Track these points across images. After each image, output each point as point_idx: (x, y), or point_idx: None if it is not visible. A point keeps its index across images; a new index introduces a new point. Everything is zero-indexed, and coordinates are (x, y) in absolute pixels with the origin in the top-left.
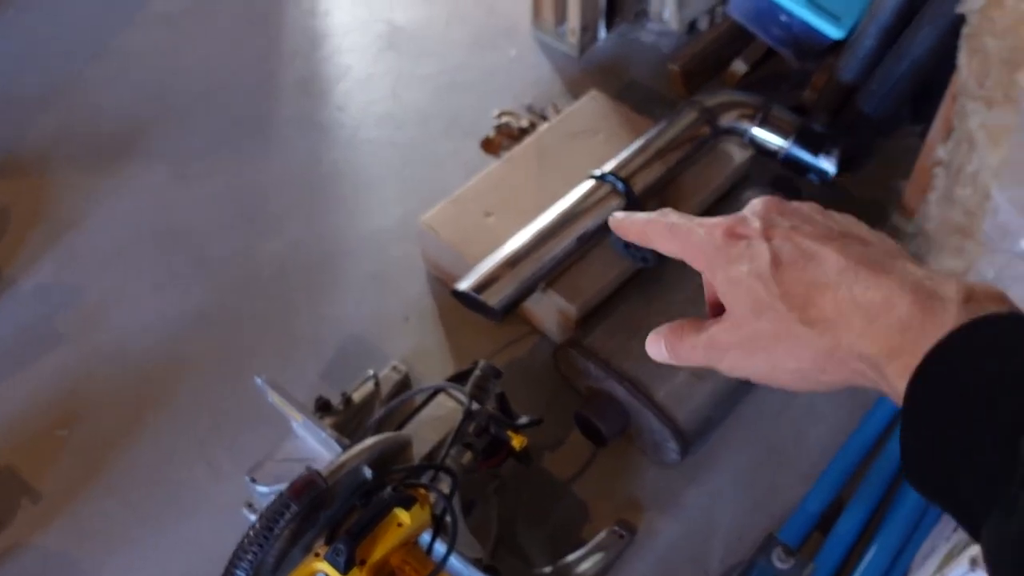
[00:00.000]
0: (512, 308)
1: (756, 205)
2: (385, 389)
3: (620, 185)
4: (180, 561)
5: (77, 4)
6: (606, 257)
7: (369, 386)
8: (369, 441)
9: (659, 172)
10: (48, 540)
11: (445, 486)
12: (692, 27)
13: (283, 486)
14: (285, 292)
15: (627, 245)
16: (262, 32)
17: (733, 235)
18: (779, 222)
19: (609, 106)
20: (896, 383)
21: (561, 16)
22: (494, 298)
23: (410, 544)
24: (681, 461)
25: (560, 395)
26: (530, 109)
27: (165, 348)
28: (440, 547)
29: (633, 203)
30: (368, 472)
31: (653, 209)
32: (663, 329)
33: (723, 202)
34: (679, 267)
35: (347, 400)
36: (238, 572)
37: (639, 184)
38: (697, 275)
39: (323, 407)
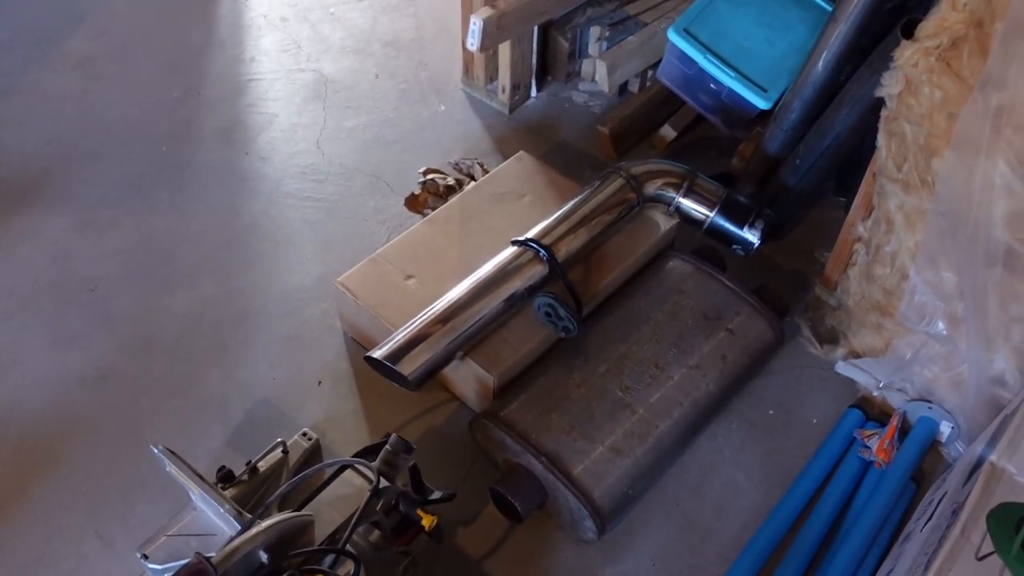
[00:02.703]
0: (428, 378)
1: None
2: (294, 457)
3: (543, 252)
4: None
5: None
6: (527, 325)
7: (277, 454)
8: (266, 523)
9: (583, 239)
10: None
11: (347, 572)
12: (623, 89)
13: (178, 563)
14: (193, 352)
15: (548, 313)
16: (183, 77)
17: None
18: None
19: (536, 168)
20: None
21: (492, 74)
22: (409, 368)
23: None
24: (599, 539)
25: (477, 467)
26: (457, 167)
27: (58, 409)
28: None
29: (555, 270)
30: (264, 557)
31: (578, 274)
32: None
33: (646, 270)
34: (600, 338)
35: (253, 469)
36: None
37: (562, 251)
38: (619, 346)
39: (225, 477)
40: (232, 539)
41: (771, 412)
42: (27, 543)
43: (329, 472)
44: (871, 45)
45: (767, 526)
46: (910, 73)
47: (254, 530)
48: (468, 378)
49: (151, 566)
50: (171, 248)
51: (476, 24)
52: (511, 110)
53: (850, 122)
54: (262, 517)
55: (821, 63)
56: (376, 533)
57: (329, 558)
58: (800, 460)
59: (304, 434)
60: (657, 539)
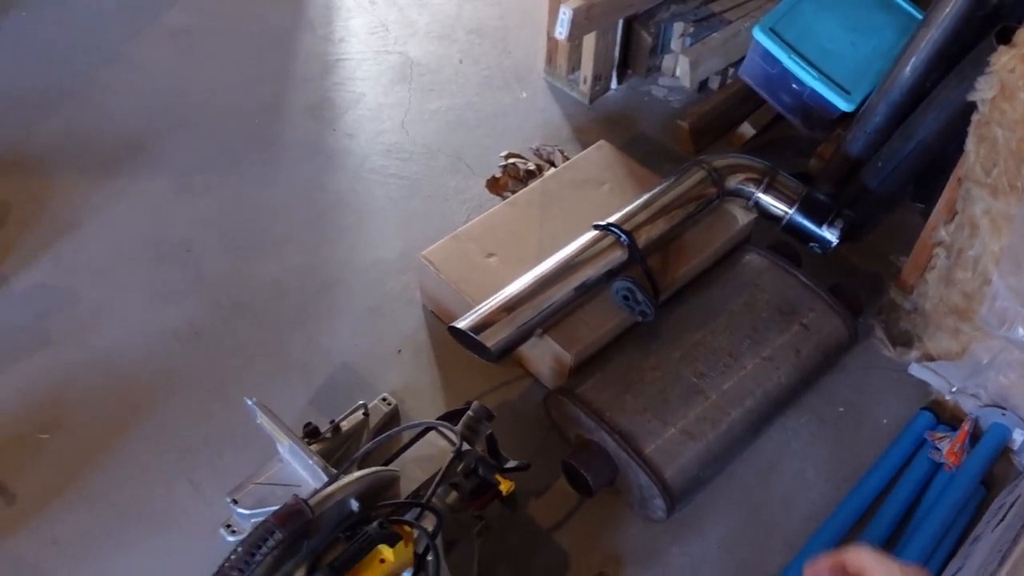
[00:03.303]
0: (507, 352)
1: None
2: (374, 420)
3: (624, 237)
4: None
5: (89, 11)
6: (604, 308)
7: (358, 416)
8: (358, 474)
9: (663, 228)
10: (19, 544)
11: (430, 525)
12: (703, 86)
13: (265, 510)
14: (280, 316)
15: (626, 297)
16: (275, 54)
17: None
18: None
19: (616, 157)
20: None
21: (575, 64)
22: (491, 340)
23: None
24: (667, 519)
25: (549, 441)
26: (537, 153)
27: (155, 361)
28: None
29: (635, 256)
30: (355, 505)
31: (655, 263)
32: None
33: (722, 263)
34: (676, 324)
35: (335, 428)
36: None
37: (642, 238)
38: (694, 333)
39: (311, 433)
40: (324, 487)
41: (841, 409)
42: (123, 484)
43: (414, 433)
44: (960, 52)
45: (834, 519)
46: (1006, 78)
47: (348, 478)
48: (545, 355)
49: (239, 511)
50: (261, 216)
51: (566, 13)
52: (591, 100)
53: (936, 126)
54: (346, 472)
55: (909, 68)
56: (454, 495)
57: (412, 513)
58: (868, 458)
59: (384, 399)
60: (723, 524)
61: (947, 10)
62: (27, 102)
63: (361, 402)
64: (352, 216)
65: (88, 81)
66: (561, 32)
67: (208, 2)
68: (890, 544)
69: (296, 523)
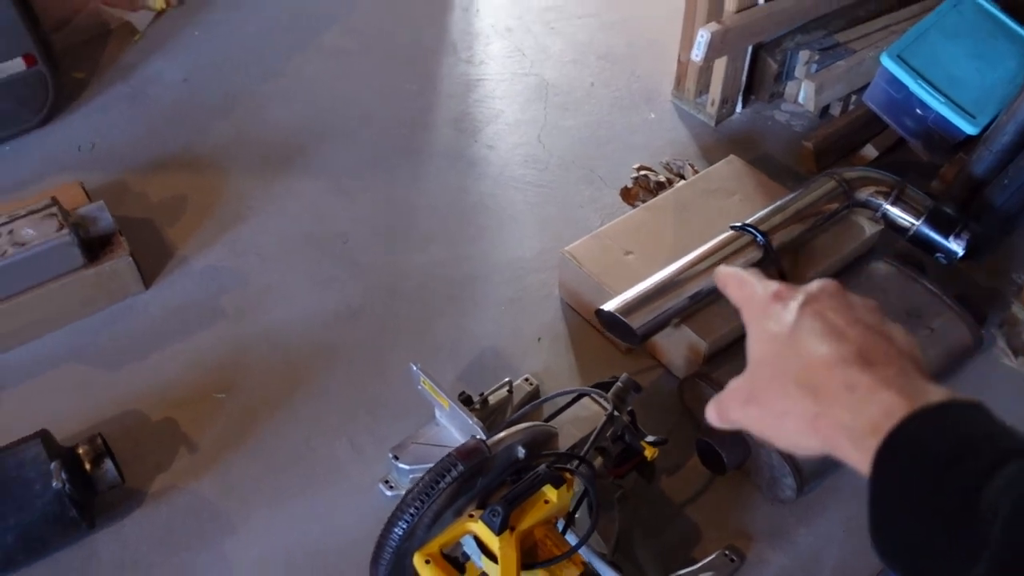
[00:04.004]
0: (650, 335)
1: (815, 283)
2: (517, 397)
3: (760, 237)
4: (313, 528)
5: (257, 30)
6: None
7: (503, 392)
8: (525, 424)
9: (795, 233)
10: (199, 488)
11: (587, 476)
12: (825, 112)
13: (423, 466)
14: (428, 302)
15: None
16: (421, 71)
17: (778, 297)
18: (822, 300)
19: (746, 170)
20: (868, 458)
21: (703, 87)
22: (637, 322)
23: (552, 522)
24: (795, 499)
25: (680, 426)
26: (667, 167)
27: (317, 336)
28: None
29: (770, 255)
30: (522, 452)
31: (788, 266)
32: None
33: (849, 270)
34: None
35: (484, 400)
36: (401, 522)
37: (776, 240)
38: None
39: (464, 401)
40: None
41: None
42: (289, 445)
43: (567, 399)
44: None
45: None
46: None
47: (517, 427)
48: (680, 344)
49: (400, 465)
50: (409, 215)
51: (704, 36)
52: (717, 122)
53: None
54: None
55: None
56: (599, 460)
57: (570, 466)
58: None
59: (526, 379)
60: (849, 508)
61: None
62: (204, 108)
63: (507, 379)
64: (493, 218)
65: (256, 91)
66: (697, 54)
67: (363, 26)
68: None
69: (475, 459)
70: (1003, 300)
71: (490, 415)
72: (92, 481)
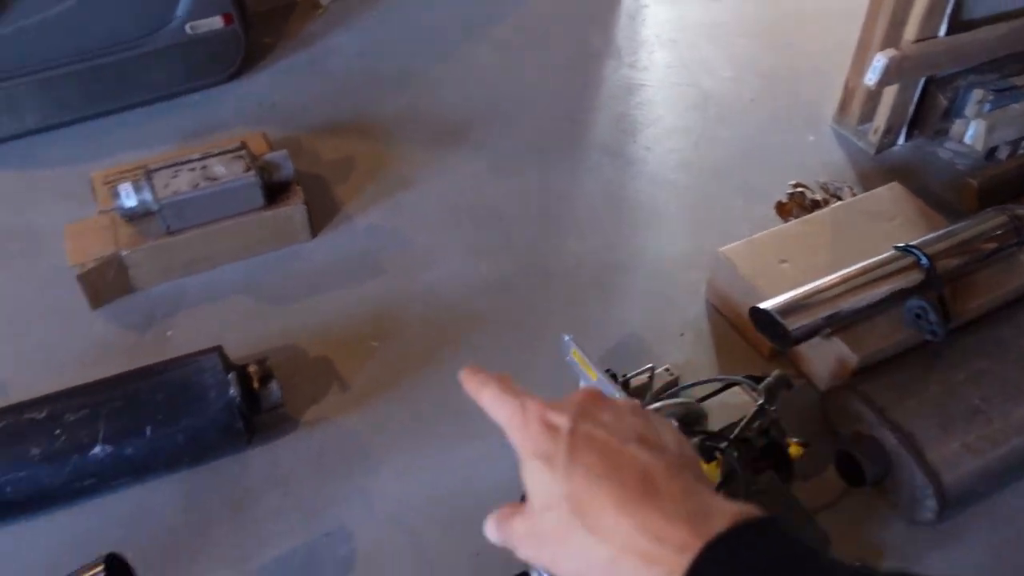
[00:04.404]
0: (803, 339)
1: (576, 395)
2: (656, 384)
3: (924, 260)
4: (450, 478)
5: (432, 17)
6: (891, 323)
7: (644, 377)
8: (678, 400)
9: (959, 261)
10: (348, 423)
11: (735, 458)
12: (991, 154)
13: None
14: (577, 285)
15: (918, 315)
16: (585, 71)
17: (545, 424)
18: (589, 417)
19: (908, 197)
20: None
21: (867, 115)
22: (793, 325)
23: None
24: (935, 522)
25: (817, 436)
26: (824, 187)
27: (469, 302)
28: None
29: (933, 280)
30: (674, 424)
31: (948, 295)
32: (496, 510)
33: (1010, 309)
34: (962, 351)
35: (626, 381)
36: None
37: (940, 266)
38: (981, 361)
39: (611, 377)
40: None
41: None
42: (435, 397)
43: (718, 385)
44: None
45: None
46: None
47: (673, 401)
48: (827, 355)
49: None
50: (564, 201)
51: (880, 61)
52: (877, 151)
53: None
54: None
55: None
56: (740, 452)
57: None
58: None
59: (667, 369)
60: (987, 541)
61: None
62: (378, 81)
63: (650, 365)
64: (645, 215)
65: (428, 73)
66: (871, 79)
67: (532, 24)
68: None
69: None
70: None
71: (630, 395)
72: (257, 399)
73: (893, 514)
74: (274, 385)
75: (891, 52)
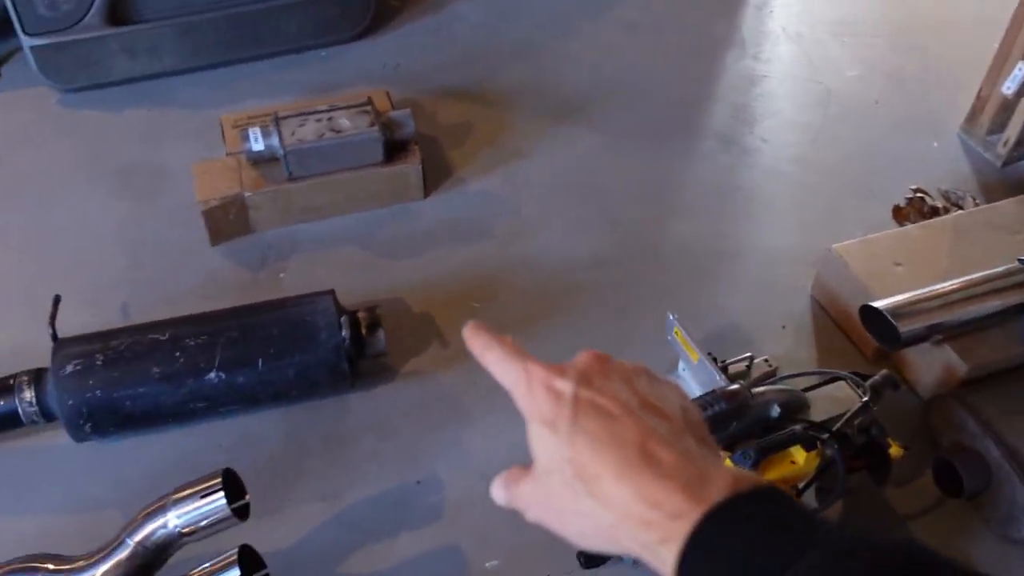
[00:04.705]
0: (913, 342)
1: (580, 359)
2: (754, 374)
3: None
4: None
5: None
6: (1008, 336)
7: (742, 366)
8: (782, 386)
9: None
10: (446, 379)
11: (837, 450)
12: None
13: None
14: (681, 267)
15: None
16: (707, 58)
17: (549, 389)
18: (592, 382)
19: None
20: (671, 564)
21: (999, 126)
22: (904, 326)
23: (790, 485)
24: None
25: (916, 445)
26: (945, 195)
27: (573, 274)
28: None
29: None
30: (777, 411)
31: None
32: (504, 472)
33: None
34: None
35: (724, 367)
36: None
37: None
38: None
39: (712, 360)
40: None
41: None
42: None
43: (823, 378)
44: None
45: None
46: None
47: (777, 387)
48: (935, 362)
49: None
50: (675, 185)
51: (1022, 70)
52: (1005, 163)
53: None
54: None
55: None
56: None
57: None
58: None
59: (766, 360)
60: None
61: None
62: (500, 51)
63: (748, 354)
64: (756, 204)
65: (551, 46)
66: (1010, 87)
67: (657, 6)
68: None
69: (736, 402)
70: None
71: (731, 382)
72: (364, 344)
73: (986, 529)
74: (381, 333)
75: None
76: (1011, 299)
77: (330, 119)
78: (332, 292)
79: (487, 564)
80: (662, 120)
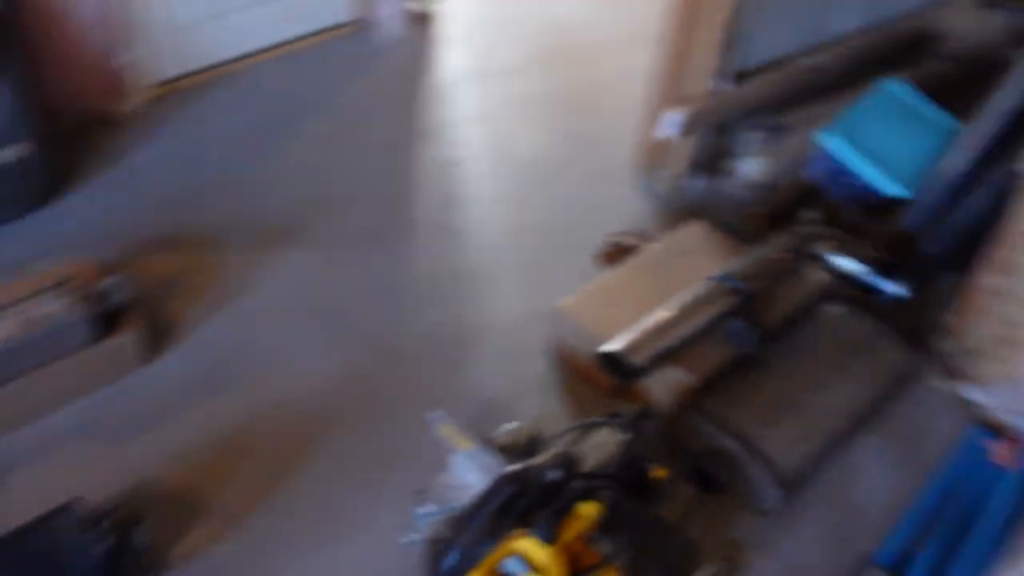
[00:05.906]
0: (649, 371)
1: None
2: (524, 441)
3: (734, 285)
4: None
5: (246, 119)
6: (715, 344)
7: (510, 438)
8: (550, 452)
9: (764, 282)
10: (222, 551)
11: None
12: (769, 185)
13: (447, 507)
14: (428, 360)
15: (736, 334)
16: (404, 152)
17: None
18: None
19: (708, 232)
20: None
21: (660, 163)
22: (637, 360)
23: (586, 536)
24: (780, 510)
25: (670, 458)
26: (634, 234)
27: (324, 396)
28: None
29: (744, 301)
30: (556, 474)
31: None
32: None
33: (810, 310)
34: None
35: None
36: (457, 545)
37: (750, 288)
38: (791, 363)
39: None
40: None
41: (907, 425)
42: (308, 499)
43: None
44: (998, 145)
45: (911, 513)
46: None
47: (549, 453)
48: (668, 382)
49: (422, 510)
50: (403, 282)
51: (676, 117)
52: (674, 195)
53: (983, 201)
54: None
55: (960, 158)
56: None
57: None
58: (932, 464)
59: (525, 424)
60: (821, 517)
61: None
62: (196, 191)
63: (516, 423)
64: (481, 283)
65: (249, 175)
66: (670, 132)
67: (343, 113)
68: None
69: (521, 481)
70: (935, 334)
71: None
72: (124, 552)
73: (744, 511)
74: (138, 532)
75: (684, 108)
76: (714, 311)
77: (25, 311)
78: (69, 506)
79: None
80: (375, 220)
